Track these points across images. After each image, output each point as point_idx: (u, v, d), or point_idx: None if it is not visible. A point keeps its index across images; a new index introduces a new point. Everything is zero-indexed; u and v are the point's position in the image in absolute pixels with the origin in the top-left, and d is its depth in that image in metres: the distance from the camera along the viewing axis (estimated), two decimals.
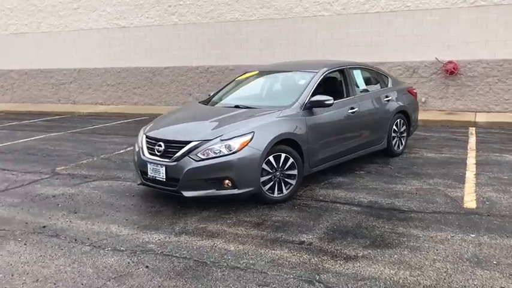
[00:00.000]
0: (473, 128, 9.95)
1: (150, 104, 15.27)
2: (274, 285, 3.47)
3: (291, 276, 3.60)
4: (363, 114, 6.52)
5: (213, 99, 6.68)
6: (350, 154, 6.43)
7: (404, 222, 4.66)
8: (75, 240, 4.42)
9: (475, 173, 6.33)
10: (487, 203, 5.15)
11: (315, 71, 6.21)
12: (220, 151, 4.96)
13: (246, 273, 3.68)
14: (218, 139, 5.03)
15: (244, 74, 7.04)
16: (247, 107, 5.87)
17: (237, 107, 5.96)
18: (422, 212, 4.92)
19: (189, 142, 5.05)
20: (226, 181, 4.95)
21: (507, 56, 11.21)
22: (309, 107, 5.75)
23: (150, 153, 5.34)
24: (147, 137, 5.53)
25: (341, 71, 6.57)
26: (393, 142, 7.24)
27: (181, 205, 5.31)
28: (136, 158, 5.54)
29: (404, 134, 7.55)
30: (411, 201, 5.27)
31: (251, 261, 3.88)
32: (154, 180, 5.25)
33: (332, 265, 3.76)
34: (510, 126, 9.99)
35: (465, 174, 6.31)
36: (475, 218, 4.72)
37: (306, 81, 6.04)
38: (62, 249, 4.23)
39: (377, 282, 3.47)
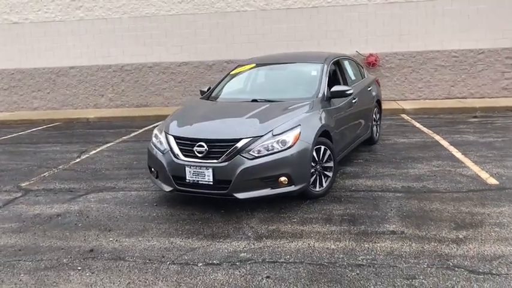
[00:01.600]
0: (404, 115, 10.73)
1: (55, 109, 13.72)
2: (421, 277, 3.35)
3: (425, 265, 3.51)
4: (360, 103, 6.62)
5: (213, 94, 6.21)
6: (353, 143, 6.49)
7: (458, 202, 4.82)
8: (149, 260, 3.79)
9: (460, 153, 6.81)
10: (504, 178, 5.57)
11: (321, 62, 6.12)
12: (274, 147, 4.64)
13: (378, 269, 3.49)
14: (270, 134, 4.70)
15: (237, 67, 6.65)
16: (268, 101, 5.57)
17: (254, 101, 5.63)
18: (460, 192, 5.15)
19: (239, 139, 4.63)
20: (283, 178, 4.64)
21: (419, 49, 12.27)
22: (329, 98, 5.67)
23: (186, 155, 4.77)
24: (176, 137, 4.93)
25: (337, 62, 6.58)
26: (373, 130, 7.48)
27: (224, 209, 4.86)
28: (164, 162, 4.88)
29: (379, 123, 7.85)
30: (439, 183, 5.48)
31: (368, 257, 3.69)
32: (196, 184, 4.71)
33: (450, 250, 3.75)
34: (434, 112, 10.93)
35: (454, 155, 6.75)
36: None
37: (318, 73, 5.92)
38: (145, 272, 3.59)
39: (510, 259, 3.54)
